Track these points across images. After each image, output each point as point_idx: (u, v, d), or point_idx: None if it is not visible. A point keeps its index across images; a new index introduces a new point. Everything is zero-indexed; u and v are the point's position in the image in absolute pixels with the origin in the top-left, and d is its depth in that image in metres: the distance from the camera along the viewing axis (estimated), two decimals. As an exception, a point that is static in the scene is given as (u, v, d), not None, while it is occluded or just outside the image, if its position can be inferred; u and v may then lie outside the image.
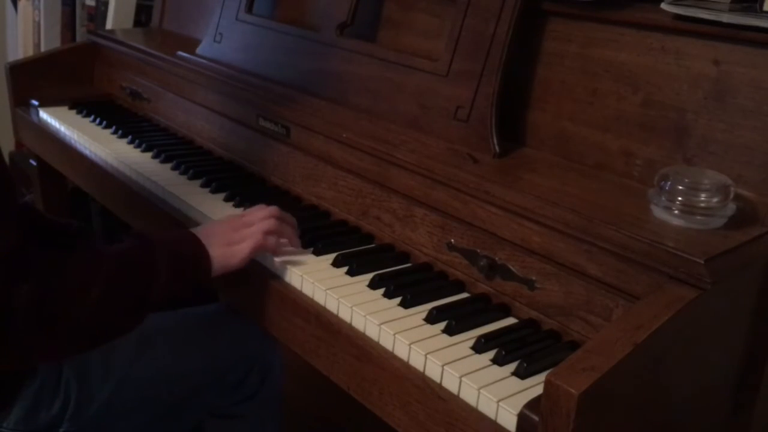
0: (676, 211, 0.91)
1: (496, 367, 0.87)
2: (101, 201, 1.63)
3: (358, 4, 1.39)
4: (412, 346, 0.90)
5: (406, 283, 1.03)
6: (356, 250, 1.13)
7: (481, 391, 0.82)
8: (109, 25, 2.27)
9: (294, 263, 1.08)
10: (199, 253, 1.02)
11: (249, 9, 1.62)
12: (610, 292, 0.90)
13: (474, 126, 1.15)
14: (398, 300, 1.00)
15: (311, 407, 1.71)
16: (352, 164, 1.22)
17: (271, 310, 1.08)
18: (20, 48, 2.67)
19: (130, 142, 1.58)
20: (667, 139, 1.04)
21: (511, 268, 1.00)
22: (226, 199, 1.31)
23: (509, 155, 1.14)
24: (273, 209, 1.11)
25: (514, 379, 0.85)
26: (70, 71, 1.95)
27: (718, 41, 0.99)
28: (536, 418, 0.74)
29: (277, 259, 1.08)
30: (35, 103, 1.82)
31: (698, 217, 0.90)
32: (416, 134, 1.20)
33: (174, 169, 1.44)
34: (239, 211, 1.23)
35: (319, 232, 1.16)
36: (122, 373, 1.09)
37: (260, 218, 1.08)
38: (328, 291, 1.01)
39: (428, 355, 0.88)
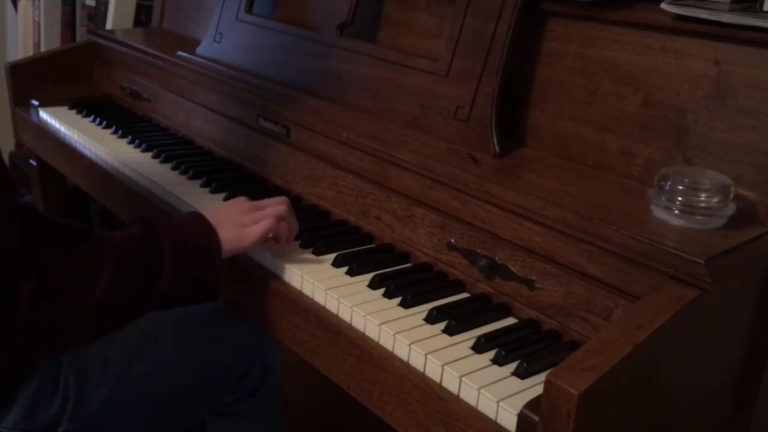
0: (676, 211, 0.91)
1: (496, 367, 0.87)
2: (101, 201, 1.63)
3: (358, 4, 1.39)
4: (412, 346, 0.90)
5: (406, 283, 1.03)
6: (356, 250, 1.13)
7: (481, 391, 0.82)
8: (109, 25, 2.27)
9: (294, 263, 1.08)
10: (208, 235, 1.01)
11: (249, 9, 1.62)
12: (610, 292, 0.90)
13: (474, 126, 1.15)
14: (398, 300, 1.00)
15: (311, 407, 1.71)
16: (352, 164, 1.22)
17: (271, 310, 1.08)
18: (20, 48, 2.67)
19: (130, 142, 1.58)
20: (667, 139, 1.04)
21: (511, 268, 1.00)
22: (226, 199, 1.31)
23: (509, 155, 1.14)
24: (284, 198, 1.12)
25: (514, 379, 0.85)
26: (70, 71, 1.95)
27: (718, 41, 0.99)
28: (536, 418, 0.74)
29: (277, 259, 1.08)
30: (35, 103, 1.82)
31: (698, 217, 0.90)
32: (416, 134, 1.20)
33: (174, 169, 1.44)
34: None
35: (319, 232, 1.16)
36: (121, 371, 1.09)
37: (271, 204, 1.09)
38: (328, 291, 1.01)
39: (428, 355, 0.88)
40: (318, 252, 1.11)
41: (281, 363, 1.29)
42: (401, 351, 0.91)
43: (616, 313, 0.89)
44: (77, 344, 0.99)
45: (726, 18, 0.95)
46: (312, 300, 1.03)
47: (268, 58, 1.52)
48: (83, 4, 2.44)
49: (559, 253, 0.94)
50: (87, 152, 1.59)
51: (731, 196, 0.91)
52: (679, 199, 0.90)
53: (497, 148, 1.13)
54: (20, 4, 2.62)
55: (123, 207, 1.48)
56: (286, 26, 1.52)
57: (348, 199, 1.23)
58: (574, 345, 0.91)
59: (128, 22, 2.27)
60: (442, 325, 0.94)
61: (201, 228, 1.02)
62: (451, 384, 0.85)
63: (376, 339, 0.94)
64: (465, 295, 1.04)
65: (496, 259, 1.01)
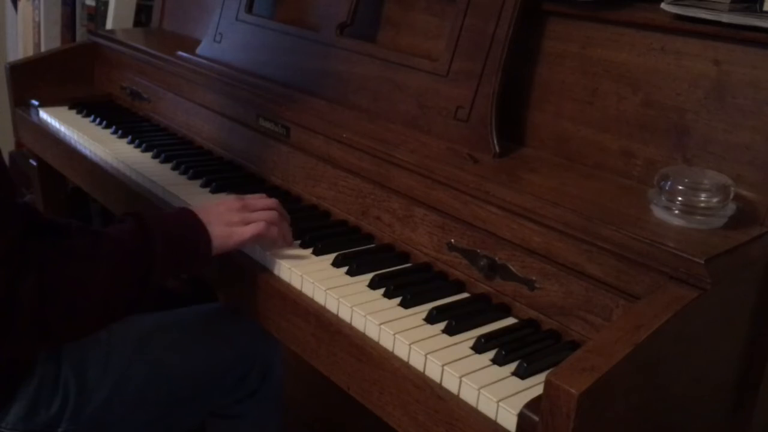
0: (676, 211, 0.91)
1: (496, 367, 0.87)
2: (101, 201, 1.63)
3: (358, 4, 1.39)
4: (412, 346, 0.90)
5: (406, 283, 1.03)
6: (356, 250, 1.13)
7: (481, 391, 0.82)
8: (109, 25, 2.27)
9: (294, 263, 1.08)
10: (198, 232, 1.02)
11: (249, 9, 1.62)
12: (610, 292, 0.90)
13: (474, 126, 1.15)
14: (398, 300, 1.00)
15: (311, 407, 1.71)
16: (352, 164, 1.22)
17: (271, 310, 1.08)
18: (20, 48, 2.68)
19: (130, 142, 1.58)
20: (667, 139, 1.04)
21: (511, 268, 1.00)
22: (226, 199, 1.31)
23: (509, 155, 1.14)
24: (273, 201, 1.12)
25: (514, 379, 0.85)
26: (70, 71, 1.95)
27: (718, 41, 0.99)
28: (536, 418, 0.74)
29: (277, 259, 1.08)
30: (35, 103, 1.82)
31: (698, 217, 0.90)
32: (416, 134, 1.20)
33: (174, 169, 1.44)
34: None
35: (319, 232, 1.16)
36: (121, 372, 1.09)
37: (262, 206, 1.09)
38: (328, 291, 1.01)
39: (428, 355, 0.88)
40: (318, 252, 1.11)
41: (281, 364, 1.29)
42: (401, 351, 0.91)
43: (616, 313, 0.89)
44: (75, 337, 0.99)
45: (726, 18, 0.95)
46: (312, 300, 1.03)
47: (268, 58, 1.52)
48: (83, 4, 2.44)
49: (559, 253, 0.94)
50: (87, 152, 1.59)
51: (731, 196, 0.91)
52: (679, 199, 0.90)
53: (497, 148, 1.13)
54: (20, 4, 2.62)
55: (123, 207, 1.48)
56: (286, 26, 1.52)
57: (348, 199, 1.23)
58: (574, 345, 0.91)
59: (128, 22, 2.27)
60: (442, 325, 0.94)
61: (190, 223, 1.02)
62: (451, 384, 0.85)
63: (376, 339, 0.94)
64: (465, 295, 1.04)
65: (496, 259, 1.01)
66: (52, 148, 1.74)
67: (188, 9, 2.00)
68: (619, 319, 0.81)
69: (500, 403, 0.80)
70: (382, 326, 0.93)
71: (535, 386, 0.83)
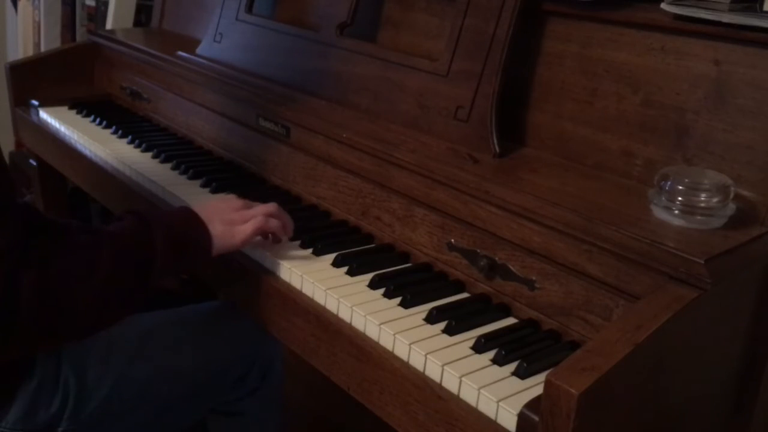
0: (676, 211, 0.91)
1: (496, 367, 0.87)
2: (101, 201, 1.63)
3: (358, 4, 1.39)
4: (412, 346, 0.90)
5: (406, 283, 1.03)
6: (356, 250, 1.13)
7: (481, 391, 0.82)
8: (109, 25, 2.27)
9: (294, 263, 1.08)
10: (198, 231, 1.02)
11: (249, 9, 1.62)
12: (610, 292, 0.90)
13: (474, 126, 1.15)
14: (398, 300, 1.00)
15: (311, 407, 1.71)
16: (352, 164, 1.22)
17: (271, 310, 1.08)
18: (20, 48, 2.68)
19: (130, 142, 1.58)
20: (667, 139, 1.04)
21: (511, 268, 1.00)
22: (226, 199, 1.31)
23: (509, 155, 1.14)
24: (271, 204, 1.12)
25: (514, 379, 0.85)
26: (70, 71, 1.95)
27: (718, 41, 0.99)
28: (536, 418, 0.74)
29: (277, 259, 1.08)
30: (35, 103, 1.82)
31: (698, 217, 0.90)
32: (416, 134, 1.20)
33: (174, 169, 1.44)
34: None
35: (319, 232, 1.16)
36: (121, 371, 1.09)
37: (261, 205, 1.10)
38: (328, 291, 1.01)
39: (428, 355, 0.88)
40: (318, 252, 1.11)
41: (281, 363, 1.29)
42: (401, 351, 0.91)
43: (616, 313, 0.89)
44: (76, 336, 0.99)
45: (726, 18, 0.95)
46: (312, 300, 1.03)
47: (268, 58, 1.52)
48: (83, 4, 2.44)
49: (559, 253, 0.94)
50: (87, 152, 1.59)
51: (731, 196, 0.91)
52: (679, 199, 0.90)
53: (497, 148, 1.13)
54: (20, 4, 2.62)
55: (123, 207, 1.48)
56: (286, 26, 1.52)
57: (348, 199, 1.23)
58: (574, 345, 0.91)
59: (128, 22, 2.27)
60: (442, 325, 0.94)
61: (191, 221, 1.02)
62: (451, 384, 0.85)
63: (376, 339, 0.94)
64: (465, 295, 1.04)
65: (496, 259, 1.01)
66: (52, 148, 1.74)
67: (188, 9, 2.00)
68: (619, 319, 0.81)
69: (500, 403, 0.80)
70: (382, 326, 0.93)
71: (535, 386, 0.83)
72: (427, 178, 1.09)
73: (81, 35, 2.44)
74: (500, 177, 1.04)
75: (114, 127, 1.66)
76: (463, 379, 0.84)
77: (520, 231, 0.98)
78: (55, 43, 2.49)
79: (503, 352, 0.88)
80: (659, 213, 0.93)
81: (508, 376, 0.85)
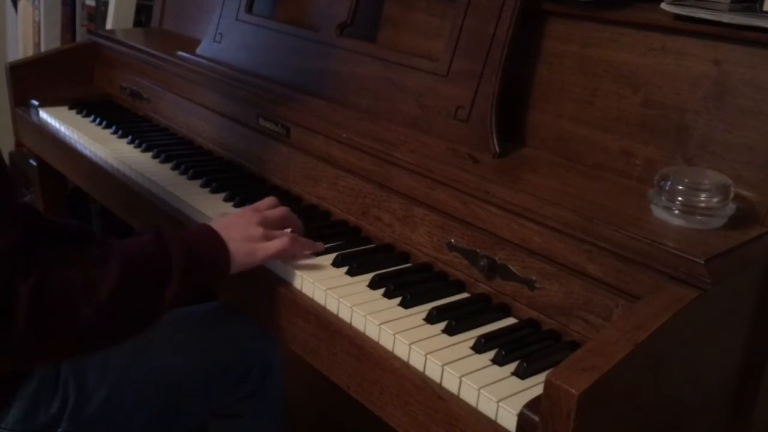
0: (676, 211, 0.91)
1: (496, 367, 0.87)
2: (101, 201, 1.63)
3: (358, 4, 1.39)
4: (412, 346, 0.90)
5: (406, 283, 1.03)
6: (356, 250, 1.13)
7: (481, 391, 0.82)
8: (109, 25, 2.27)
9: (294, 263, 1.08)
10: (218, 250, 0.99)
11: (249, 9, 1.62)
12: (610, 292, 0.90)
13: (474, 126, 1.15)
14: (398, 300, 1.00)
15: (311, 407, 1.71)
16: (352, 164, 1.22)
17: (271, 310, 1.08)
18: (20, 48, 2.68)
19: (130, 142, 1.58)
20: (667, 139, 1.04)
21: (511, 268, 1.00)
22: (226, 199, 1.31)
23: (509, 155, 1.14)
24: (286, 209, 1.11)
25: (514, 379, 0.85)
26: (70, 71, 1.95)
27: (718, 41, 0.99)
28: (536, 418, 0.74)
29: (278, 260, 1.08)
30: (35, 103, 1.82)
31: (698, 217, 0.90)
32: (416, 134, 1.20)
33: (174, 169, 1.44)
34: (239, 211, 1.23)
35: (319, 232, 1.16)
36: (121, 372, 1.09)
37: (278, 215, 1.09)
38: (328, 291, 1.01)
39: (428, 355, 0.88)
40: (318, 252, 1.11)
41: (281, 363, 1.29)
42: (401, 351, 0.91)
43: (616, 313, 0.89)
44: (77, 353, 0.96)
45: (726, 18, 0.95)
46: (312, 300, 1.03)
47: (268, 58, 1.52)
48: (83, 4, 2.44)
49: (559, 253, 0.94)
50: (87, 152, 1.59)
51: (731, 196, 0.91)
52: (679, 199, 0.90)
53: (497, 148, 1.13)
54: (20, 4, 2.62)
55: (123, 207, 1.48)
56: (286, 26, 1.52)
57: (348, 199, 1.23)
58: (574, 345, 0.91)
59: (128, 22, 2.27)
60: (442, 325, 0.94)
61: (212, 243, 1.00)
62: (451, 384, 0.85)
63: (376, 339, 0.94)
64: (465, 295, 1.04)
65: (496, 259, 1.01)
66: (52, 148, 1.74)
67: (188, 9, 2.00)
68: (619, 319, 0.81)
69: (500, 403, 0.80)
70: (382, 326, 0.93)
71: (535, 386, 0.83)
72: (427, 178, 1.09)
73: (81, 35, 2.44)
74: (500, 177, 1.04)
75: (114, 127, 1.66)
76: (463, 379, 0.84)
77: (520, 231, 0.98)
78: (55, 43, 2.49)
79: (503, 352, 0.88)
80: (659, 213, 0.93)
81: (508, 376, 0.85)
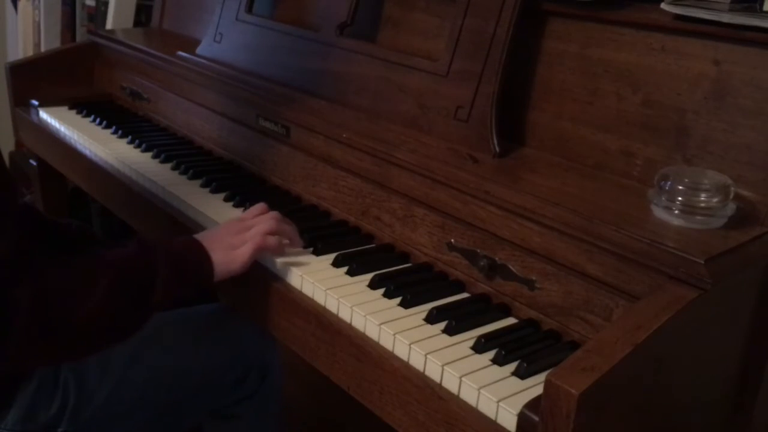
0: (676, 211, 0.91)
1: (496, 367, 0.87)
2: (101, 201, 1.63)
3: (358, 4, 1.39)
4: (412, 346, 0.90)
5: (406, 283, 1.03)
6: (356, 250, 1.13)
7: (481, 391, 0.82)
8: (109, 25, 2.27)
9: (294, 263, 1.08)
10: (200, 257, 1.02)
11: (249, 9, 1.62)
12: (610, 292, 0.90)
13: (474, 126, 1.15)
14: (398, 300, 1.00)
15: (311, 407, 1.71)
16: (352, 164, 1.22)
17: (271, 310, 1.08)
18: (20, 48, 2.68)
19: (130, 142, 1.58)
20: (667, 139, 1.04)
21: (511, 268, 1.00)
22: (226, 199, 1.31)
23: (509, 155, 1.14)
24: (273, 213, 1.12)
25: (514, 379, 0.85)
26: (70, 71, 1.95)
27: (718, 41, 0.99)
28: (536, 418, 0.74)
29: (277, 260, 1.08)
30: (35, 103, 1.82)
31: (698, 217, 0.90)
32: (416, 134, 1.20)
33: (174, 169, 1.44)
34: (239, 211, 1.24)
35: (319, 232, 1.16)
36: (120, 373, 1.09)
37: (258, 221, 1.09)
38: (328, 291, 1.01)
39: (428, 355, 0.88)
40: (318, 252, 1.11)
41: (280, 365, 1.29)
42: (401, 351, 0.91)
43: (616, 313, 0.89)
44: (72, 357, 1.00)
45: (726, 18, 0.95)
46: (312, 300, 1.03)
47: (268, 58, 1.52)
48: (83, 4, 2.44)
49: (559, 253, 0.94)
50: (87, 152, 1.59)
51: (731, 196, 0.91)
52: (679, 199, 0.90)
53: (497, 148, 1.13)
54: (20, 4, 2.62)
55: (123, 207, 1.48)
56: (286, 26, 1.52)
57: (348, 199, 1.23)
58: (574, 345, 0.91)
59: (128, 22, 2.27)
60: (442, 325, 0.94)
61: (194, 251, 1.03)
62: (451, 384, 0.85)
63: (376, 339, 0.94)
64: (465, 295, 1.04)
65: (496, 259, 1.01)
66: (52, 148, 1.74)
67: (188, 9, 2.00)
68: (619, 319, 0.81)
69: (500, 403, 0.80)
70: (382, 326, 0.93)
71: (535, 386, 0.83)
72: (427, 178, 1.09)
73: (81, 35, 2.44)
74: (500, 177, 1.04)
75: (114, 127, 1.66)
76: (463, 379, 0.84)
77: (520, 231, 0.98)
78: (55, 43, 2.49)
79: (503, 352, 0.88)
80: (659, 213, 0.93)
81: (508, 376, 0.85)
